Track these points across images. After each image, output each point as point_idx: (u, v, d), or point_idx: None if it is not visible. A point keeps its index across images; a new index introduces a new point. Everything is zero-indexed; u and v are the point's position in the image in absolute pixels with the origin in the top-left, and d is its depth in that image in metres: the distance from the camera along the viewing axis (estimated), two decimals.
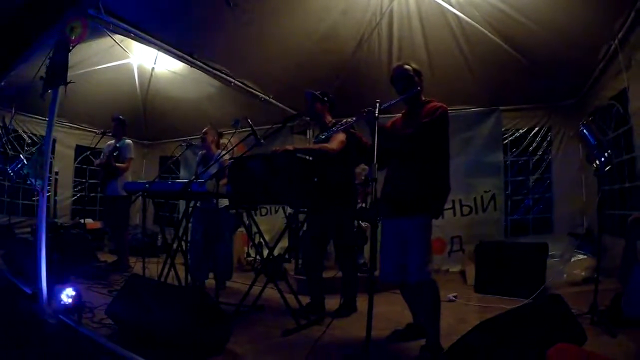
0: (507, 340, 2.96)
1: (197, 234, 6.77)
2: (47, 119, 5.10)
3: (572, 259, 6.84)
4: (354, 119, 3.85)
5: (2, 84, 8.12)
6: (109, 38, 7.03)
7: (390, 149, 3.97)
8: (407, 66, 4.03)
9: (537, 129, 8.85)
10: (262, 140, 4.94)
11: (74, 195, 11.95)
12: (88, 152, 10.91)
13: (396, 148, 3.96)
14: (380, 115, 3.47)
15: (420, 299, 3.95)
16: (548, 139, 8.76)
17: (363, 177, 7.32)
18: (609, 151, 4.89)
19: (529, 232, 8.84)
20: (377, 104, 3.49)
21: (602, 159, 4.84)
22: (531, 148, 8.89)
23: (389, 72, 4.19)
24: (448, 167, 3.96)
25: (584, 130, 5.04)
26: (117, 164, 7.78)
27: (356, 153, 4.48)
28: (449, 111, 3.91)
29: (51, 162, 5.54)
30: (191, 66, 7.25)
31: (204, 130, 6.99)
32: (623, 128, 6.46)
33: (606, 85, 6.75)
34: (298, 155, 4.50)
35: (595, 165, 4.92)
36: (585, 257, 6.83)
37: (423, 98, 4.05)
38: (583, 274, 6.54)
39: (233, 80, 7.92)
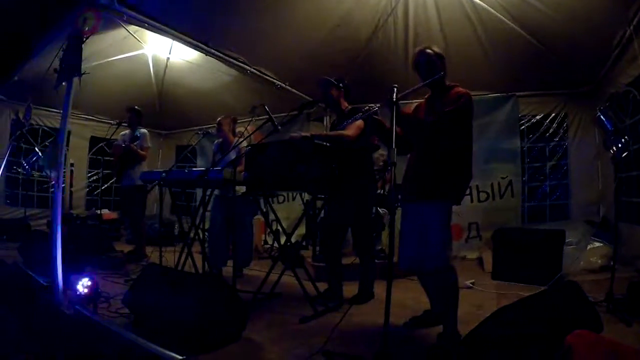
0: (524, 327, 2.94)
1: (217, 222, 6.78)
2: (61, 111, 5.10)
3: (589, 247, 6.79)
4: (378, 105, 3.82)
5: (16, 78, 8.17)
6: (122, 29, 7.05)
7: (413, 136, 3.97)
8: (429, 50, 3.95)
9: (553, 115, 8.83)
10: (279, 127, 4.91)
11: (88, 186, 12.07)
12: (103, 143, 10.99)
13: (419, 135, 3.95)
14: (401, 101, 3.44)
15: (439, 286, 3.93)
16: (564, 125, 8.74)
17: (381, 163, 7.31)
18: (626, 137, 4.84)
19: (546, 219, 8.82)
20: (395, 88, 3.45)
21: (620, 145, 4.80)
22: (548, 134, 8.88)
23: (406, 58, 4.16)
24: (470, 154, 3.91)
25: (601, 116, 4.98)
26: (137, 150, 7.82)
27: (381, 139, 4.45)
28: None
29: (66, 154, 5.56)
30: (206, 55, 7.28)
31: (218, 119, 7.00)
32: None
33: (622, 72, 6.71)
34: (316, 141, 4.50)
35: (612, 151, 4.87)
36: (601, 244, 6.78)
37: (447, 83, 4.00)
38: (599, 261, 6.50)
39: (249, 68, 7.93)
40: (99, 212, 10.18)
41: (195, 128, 10.97)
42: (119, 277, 6.33)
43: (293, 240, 5.62)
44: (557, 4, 6.12)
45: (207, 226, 6.57)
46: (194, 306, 3.70)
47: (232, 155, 5.88)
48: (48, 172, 5.45)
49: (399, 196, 4.22)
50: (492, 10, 6.69)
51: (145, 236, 8.37)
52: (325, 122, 10.25)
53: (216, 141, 7.23)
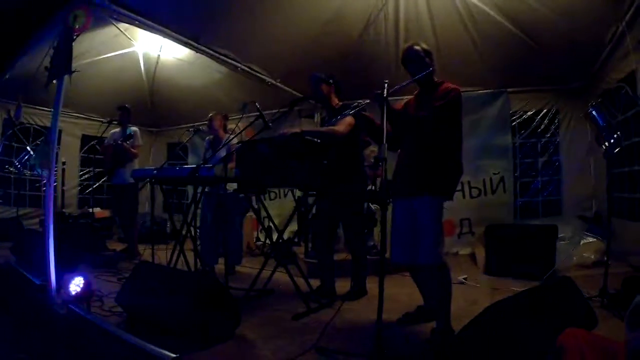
0: (518, 322, 2.94)
1: (207, 220, 6.79)
2: (52, 110, 5.07)
3: (582, 242, 6.82)
4: (367, 101, 3.83)
5: (7, 76, 8.12)
6: (113, 27, 7.03)
7: (403, 131, 3.96)
8: (417, 47, 3.97)
9: (545, 111, 8.83)
10: (270, 124, 4.91)
11: (80, 185, 12.02)
12: (95, 141, 10.97)
13: (409, 130, 3.94)
14: (390, 98, 3.45)
15: (431, 281, 3.94)
16: (556, 121, 8.74)
17: (372, 160, 7.31)
18: (619, 132, 4.85)
19: (539, 215, 8.83)
20: (386, 84, 3.46)
21: (612, 141, 4.80)
22: (539, 130, 8.87)
23: (397, 54, 4.16)
24: (461, 149, 3.92)
25: (593, 112, 4.99)
26: (129, 148, 7.80)
27: (369, 135, 4.46)
28: None
29: (57, 153, 5.55)
30: (197, 52, 7.24)
31: (209, 116, 6.98)
32: (632, 111, 6.41)
33: (614, 68, 6.71)
34: (306, 137, 4.49)
35: (604, 147, 4.88)
36: (594, 240, 6.82)
37: (435, 79, 4.01)
38: (592, 257, 6.53)
39: (239, 65, 7.88)
40: (91, 210, 10.14)
41: (186, 125, 10.92)
42: (111, 275, 6.29)
43: (285, 237, 5.63)
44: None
45: (198, 224, 6.57)
46: (186, 304, 3.70)
47: (223, 152, 5.88)
48: (39, 171, 5.43)
49: (390, 192, 4.22)
50: (483, 7, 6.68)
51: (138, 234, 8.34)
52: (316, 119, 10.24)
53: (207, 138, 7.21)
